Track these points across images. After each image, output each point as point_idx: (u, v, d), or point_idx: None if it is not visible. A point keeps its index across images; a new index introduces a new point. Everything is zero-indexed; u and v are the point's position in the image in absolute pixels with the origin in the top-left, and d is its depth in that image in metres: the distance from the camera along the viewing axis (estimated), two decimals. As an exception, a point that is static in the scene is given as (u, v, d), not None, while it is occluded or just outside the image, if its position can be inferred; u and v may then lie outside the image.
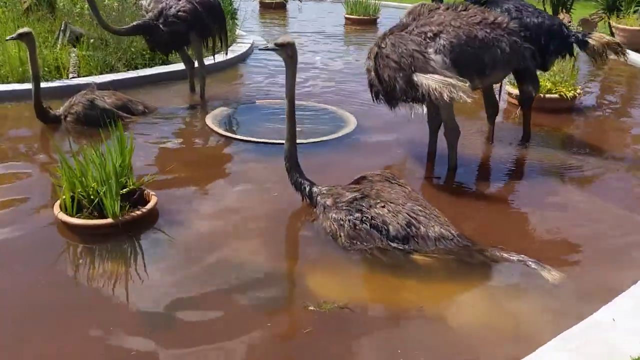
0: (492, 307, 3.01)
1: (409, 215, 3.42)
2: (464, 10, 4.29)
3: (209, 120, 5.75)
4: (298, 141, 4.85)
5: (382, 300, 3.14)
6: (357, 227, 3.44)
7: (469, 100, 3.81)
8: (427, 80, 3.93)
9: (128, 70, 7.23)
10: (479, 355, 2.64)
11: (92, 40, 7.35)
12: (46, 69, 6.57)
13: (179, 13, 5.92)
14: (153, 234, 3.65)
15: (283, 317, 2.94)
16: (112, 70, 7.12)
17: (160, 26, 5.90)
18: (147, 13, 6.07)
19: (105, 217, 3.59)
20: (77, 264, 3.39)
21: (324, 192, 3.75)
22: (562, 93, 6.24)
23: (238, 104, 6.40)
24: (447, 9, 4.33)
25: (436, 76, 3.94)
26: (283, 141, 3.93)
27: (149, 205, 3.76)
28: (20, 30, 5.26)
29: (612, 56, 4.88)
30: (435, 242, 3.37)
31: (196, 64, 6.47)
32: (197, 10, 6.00)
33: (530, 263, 3.20)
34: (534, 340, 2.56)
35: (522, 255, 3.25)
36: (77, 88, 6.01)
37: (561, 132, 5.83)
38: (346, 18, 12.59)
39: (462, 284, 3.23)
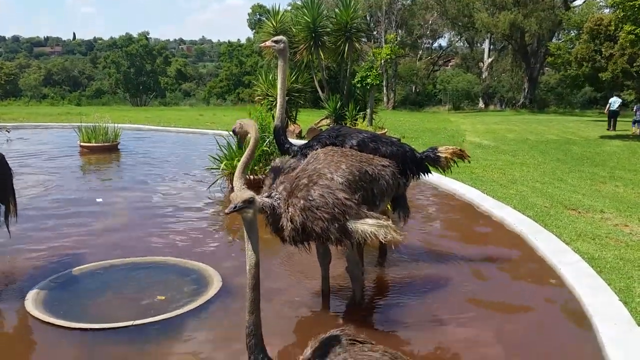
0: None
1: None
2: (348, 152, 4.41)
3: (31, 306, 4.40)
4: (140, 321, 4.18)
5: None
6: None
7: (400, 238, 3.85)
8: (362, 226, 3.84)
9: None
10: None
11: None
12: None
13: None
14: None
15: None
16: None
17: None
18: None
19: None
20: None
21: (297, 378, 3.20)
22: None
23: (51, 280, 4.97)
24: (333, 151, 4.36)
25: (369, 220, 3.88)
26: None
27: None
28: None
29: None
30: None
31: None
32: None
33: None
34: None
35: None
36: None
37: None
38: (82, 147, 11.44)
39: None
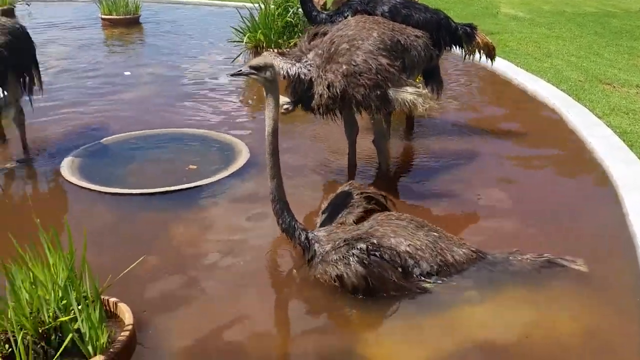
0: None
1: (433, 246, 3.24)
2: (380, 20, 4.22)
3: (67, 172, 4.57)
4: (174, 187, 4.34)
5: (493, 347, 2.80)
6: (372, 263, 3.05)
7: (436, 106, 3.82)
8: (403, 95, 3.78)
9: None
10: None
11: None
12: None
13: (-10, 48, 4.45)
14: (154, 358, 2.75)
15: None
16: None
17: (-35, 68, 4.37)
18: None
19: (86, 357, 2.59)
20: None
21: (323, 238, 3.31)
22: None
23: (84, 148, 5.08)
24: (364, 19, 4.17)
25: (409, 88, 3.80)
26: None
27: (128, 319, 2.83)
28: None
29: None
30: (464, 265, 3.28)
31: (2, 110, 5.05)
32: (12, 42, 4.59)
33: (557, 260, 3.33)
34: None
35: (545, 254, 3.36)
36: None
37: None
38: (103, 19, 11.19)
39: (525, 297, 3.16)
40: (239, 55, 8.42)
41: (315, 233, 3.34)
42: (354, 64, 3.77)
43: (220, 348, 2.81)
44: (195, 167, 4.77)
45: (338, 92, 3.82)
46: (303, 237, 3.30)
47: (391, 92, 3.80)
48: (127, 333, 2.72)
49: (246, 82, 7.42)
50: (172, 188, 4.32)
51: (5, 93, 4.93)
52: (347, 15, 4.62)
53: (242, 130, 5.66)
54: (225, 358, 2.77)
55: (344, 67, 3.78)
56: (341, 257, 3.08)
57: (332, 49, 3.87)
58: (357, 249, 3.06)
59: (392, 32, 4.10)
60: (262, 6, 8.39)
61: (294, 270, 3.43)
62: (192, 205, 4.16)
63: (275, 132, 3.23)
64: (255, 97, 6.99)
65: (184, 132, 5.50)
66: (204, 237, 3.78)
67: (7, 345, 2.58)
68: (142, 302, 3.06)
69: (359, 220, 3.44)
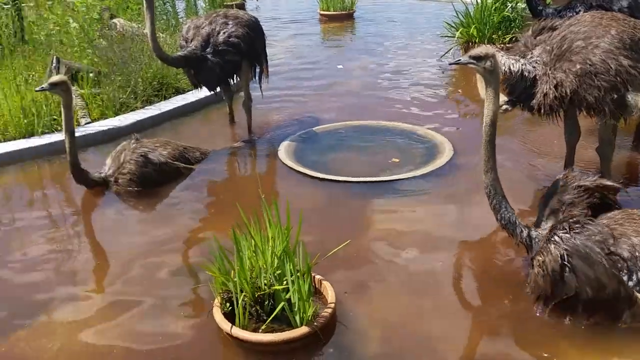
0: None
1: None
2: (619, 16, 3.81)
3: (284, 155, 4.97)
4: (378, 178, 4.41)
5: None
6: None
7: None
8: None
9: (144, 106, 6.21)
10: None
11: (91, 75, 6.27)
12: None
13: (231, 39, 5.00)
14: (352, 338, 2.89)
15: None
16: (128, 108, 6.08)
17: (209, 57, 4.98)
18: (186, 42, 5.11)
19: (292, 326, 2.81)
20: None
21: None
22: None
23: (299, 135, 5.48)
24: (601, 14, 3.81)
25: None
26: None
27: (330, 297, 3.00)
28: (53, 79, 4.27)
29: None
30: None
31: (234, 95, 5.76)
32: (249, 34, 5.12)
33: None
34: None
35: None
36: (97, 137, 5.44)
37: None
38: (321, 15, 11.86)
39: None
40: (449, 50, 8.30)
41: (540, 232, 3.15)
42: (589, 63, 3.48)
43: (408, 341, 2.87)
44: (398, 160, 4.86)
45: (567, 92, 3.55)
46: (525, 234, 3.16)
47: (630, 97, 3.45)
48: (329, 310, 2.89)
49: (456, 79, 7.30)
50: (375, 179, 4.46)
51: (238, 80, 5.52)
52: (579, 11, 4.28)
53: (448, 127, 5.60)
54: (413, 352, 2.79)
55: (578, 66, 3.50)
56: (545, 241, 2.92)
57: (564, 46, 3.60)
58: (560, 229, 2.88)
59: (633, 30, 3.68)
60: (479, 0, 8.15)
61: (491, 276, 3.31)
62: (392, 198, 4.25)
63: (493, 124, 3.14)
64: (463, 94, 6.84)
65: (389, 125, 5.63)
66: (403, 230, 3.83)
67: (228, 304, 2.91)
68: (342, 284, 3.21)
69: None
